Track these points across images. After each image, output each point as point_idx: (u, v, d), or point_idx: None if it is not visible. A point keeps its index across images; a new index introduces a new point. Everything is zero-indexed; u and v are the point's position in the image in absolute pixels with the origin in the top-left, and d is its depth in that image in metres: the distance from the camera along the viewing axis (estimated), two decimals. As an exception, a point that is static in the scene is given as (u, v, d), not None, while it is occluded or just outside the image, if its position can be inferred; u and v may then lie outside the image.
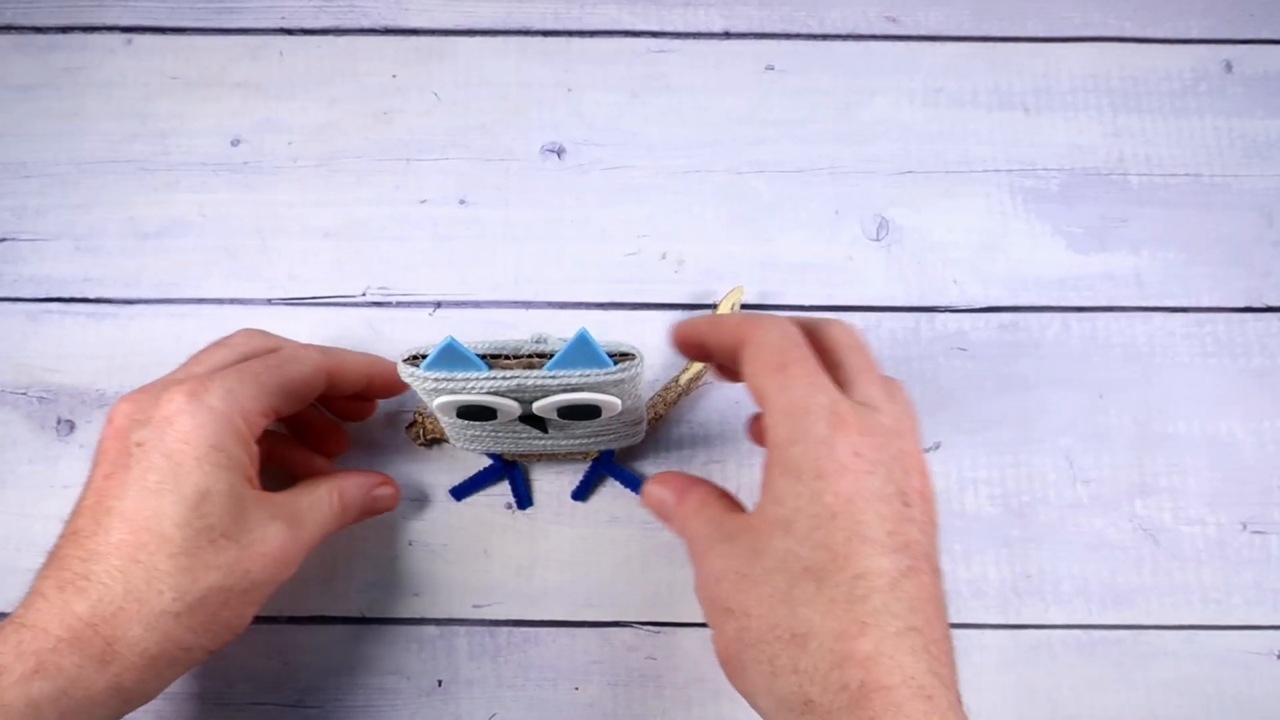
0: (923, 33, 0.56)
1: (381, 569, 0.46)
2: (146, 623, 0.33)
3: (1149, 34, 0.56)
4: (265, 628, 0.45)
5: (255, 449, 0.37)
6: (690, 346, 0.38)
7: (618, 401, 0.36)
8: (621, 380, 0.34)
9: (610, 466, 0.46)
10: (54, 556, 0.34)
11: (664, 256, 0.51)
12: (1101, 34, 0.56)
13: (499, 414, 0.37)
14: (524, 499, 0.47)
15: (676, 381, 0.47)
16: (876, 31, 0.56)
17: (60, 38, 0.55)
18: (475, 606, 0.46)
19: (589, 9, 0.56)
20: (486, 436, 0.41)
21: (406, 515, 0.47)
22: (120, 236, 0.51)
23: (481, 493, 0.47)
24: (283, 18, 0.56)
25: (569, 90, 0.54)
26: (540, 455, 0.45)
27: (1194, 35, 0.56)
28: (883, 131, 0.54)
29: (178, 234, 0.52)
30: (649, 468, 0.48)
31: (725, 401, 0.49)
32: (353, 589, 0.46)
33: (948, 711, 0.29)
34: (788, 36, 0.56)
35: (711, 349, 0.37)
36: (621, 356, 0.34)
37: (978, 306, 0.51)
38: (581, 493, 0.47)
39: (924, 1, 0.56)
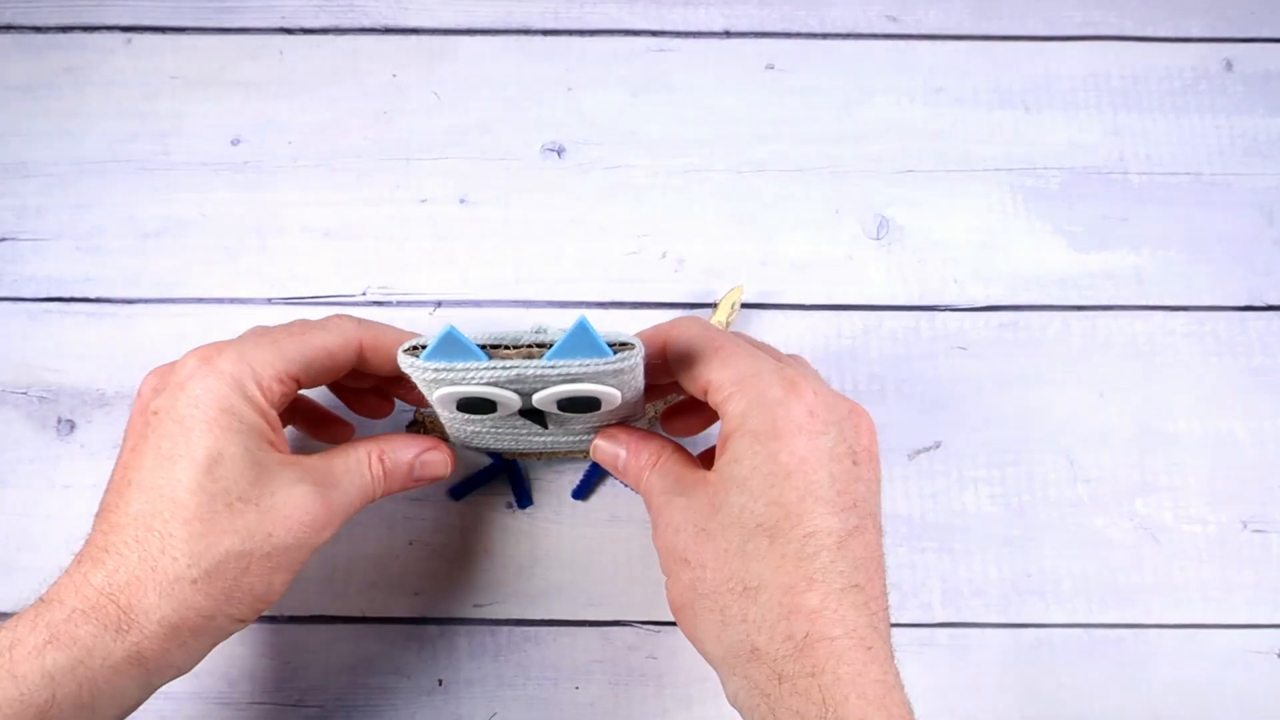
0: (923, 32, 0.56)
1: (381, 569, 0.46)
2: (162, 589, 0.32)
3: (1149, 33, 0.56)
4: (265, 627, 0.45)
5: (274, 414, 0.36)
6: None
7: (617, 393, 0.35)
8: (621, 370, 0.34)
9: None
10: (87, 538, 0.34)
11: (664, 255, 0.51)
12: (1102, 33, 0.56)
13: (499, 407, 0.37)
14: (525, 497, 0.46)
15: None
16: (877, 30, 0.56)
17: (60, 38, 0.55)
18: (476, 606, 0.46)
19: (589, 9, 0.56)
20: (486, 433, 0.41)
21: (407, 515, 0.47)
22: (120, 236, 0.51)
23: (481, 492, 0.47)
24: (283, 17, 0.56)
25: (569, 90, 0.54)
26: (540, 454, 0.45)
27: (1194, 34, 0.56)
28: (883, 130, 0.54)
29: (178, 234, 0.52)
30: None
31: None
32: (353, 589, 0.46)
33: (886, 662, 0.31)
34: (788, 36, 0.56)
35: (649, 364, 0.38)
36: (620, 346, 0.34)
37: (978, 305, 0.51)
38: (582, 492, 0.47)
39: (924, 0, 0.56)
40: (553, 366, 0.34)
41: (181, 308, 0.50)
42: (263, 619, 0.45)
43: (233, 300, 0.50)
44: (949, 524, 0.47)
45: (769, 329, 0.50)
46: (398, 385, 0.42)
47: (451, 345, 0.33)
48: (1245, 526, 0.47)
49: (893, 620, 0.46)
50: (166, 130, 0.53)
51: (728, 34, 0.56)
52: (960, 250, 0.52)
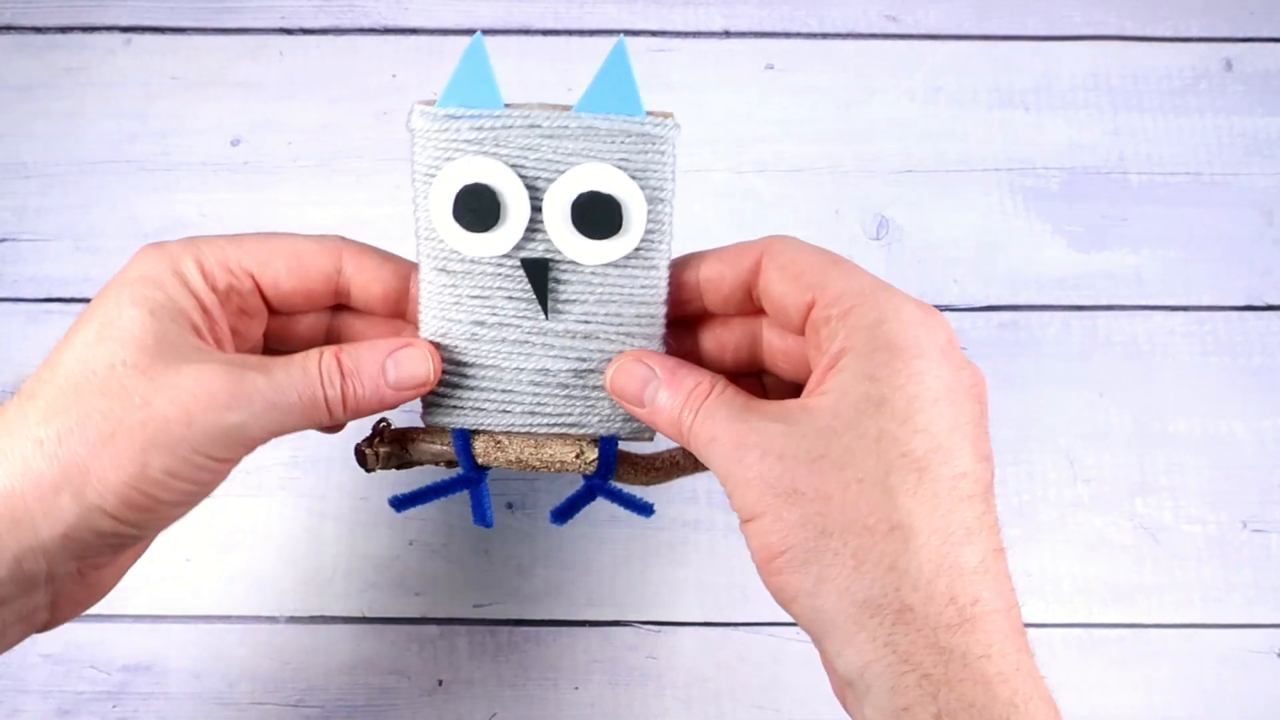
0: (923, 31, 0.56)
1: (381, 569, 0.46)
2: (4, 451, 0.27)
3: (1149, 32, 0.56)
4: (265, 628, 0.45)
5: (211, 298, 0.31)
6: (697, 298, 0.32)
7: (642, 197, 0.31)
8: (648, 142, 0.30)
9: (607, 488, 0.35)
10: None
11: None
12: (1101, 32, 0.56)
13: (504, 215, 0.31)
14: (486, 516, 0.37)
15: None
16: (876, 30, 0.56)
17: (60, 38, 0.55)
18: (476, 606, 0.46)
19: (589, 9, 0.56)
20: (469, 301, 0.32)
21: (407, 515, 0.47)
22: (120, 236, 0.51)
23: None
24: (283, 18, 0.56)
25: (569, 90, 0.54)
26: (520, 460, 0.35)
27: (1194, 34, 0.56)
28: (883, 130, 0.54)
29: (178, 234, 0.51)
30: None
31: (725, 401, 0.49)
32: (353, 589, 0.46)
33: (1031, 655, 0.27)
34: (788, 35, 0.56)
35: (718, 285, 0.32)
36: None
37: (978, 305, 0.51)
38: (562, 514, 0.36)
39: (924, 0, 0.56)
40: (575, 117, 0.30)
41: (181, 308, 0.50)
42: (262, 619, 0.45)
43: (233, 300, 0.50)
44: (949, 524, 0.47)
45: (769, 329, 0.50)
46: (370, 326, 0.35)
47: (475, 66, 0.30)
48: (1245, 526, 0.47)
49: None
50: (166, 130, 0.53)
51: (728, 34, 0.56)
52: (960, 250, 0.52)
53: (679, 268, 0.32)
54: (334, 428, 0.36)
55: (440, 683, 0.45)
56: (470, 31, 0.55)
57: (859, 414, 0.27)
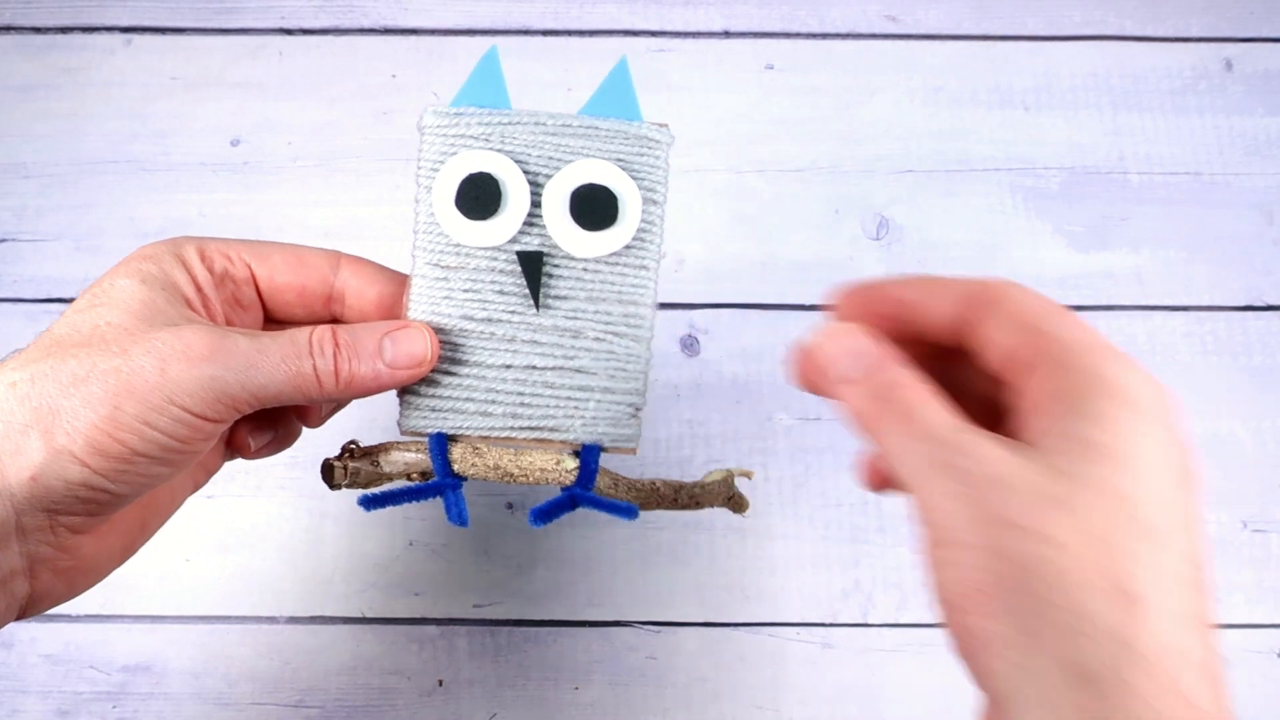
0: (923, 31, 0.56)
1: (381, 569, 0.46)
2: None
3: (1149, 32, 0.56)
4: (265, 628, 0.45)
5: (205, 276, 0.31)
6: (875, 314, 0.29)
7: (638, 193, 0.32)
8: (645, 145, 0.32)
9: (587, 497, 0.35)
10: None
11: (664, 255, 0.51)
12: (1101, 32, 0.56)
13: (504, 203, 0.32)
14: (462, 515, 0.35)
15: (701, 485, 0.38)
16: (876, 30, 0.56)
17: (60, 38, 0.55)
18: (476, 606, 0.46)
19: (589, 9, 0.56)
20: (460, 295, 0.33)
21: (407, 515, 0.47)
22: (120, 236, 0.51)
23: (481, 493, 0.47)
24: (283, 18, 0.56)
25: (569, 90, 0.54)
26: (500, 471, 0.34)
27: (1194, 34, 0.56)
28: (883, 130, 0.54)
29: (178, 234, 0.51)
30: (639, 467, 0.48)
31: (723, 400, 0.49)
32: (353, 589, 0.46)
33: None
34: (787, 36, 0.56)
35: (921, 313, 0.29)
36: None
37: (978, 305, 0.51)
38: (541, 515, 0.35)
39: (924, 0, 0.56)
40: (578, 117, 0.32)
41: (181, 308, 0.50)
42: (263, 619, 0.45)
43: (233, 300, 0.50)
44: (949, 524, 0.47)
45: (769, 329, 0.50)
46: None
47: (488, 74, 0.32)
48: (1245, 526, 0.47)
49: (893, 620, 0.46)
50: (166, 130, 0.53)
51: (727, 34, 0.56)
52: (960, 250, 0.52)
53: (897, 285, 0.30)
54: (322, 411, 0.35)
55: (440, 683, 0.45)
56: (470, 31, 0.55)
57: (1101, 465, 0.24)
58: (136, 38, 0.55)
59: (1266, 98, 0.54)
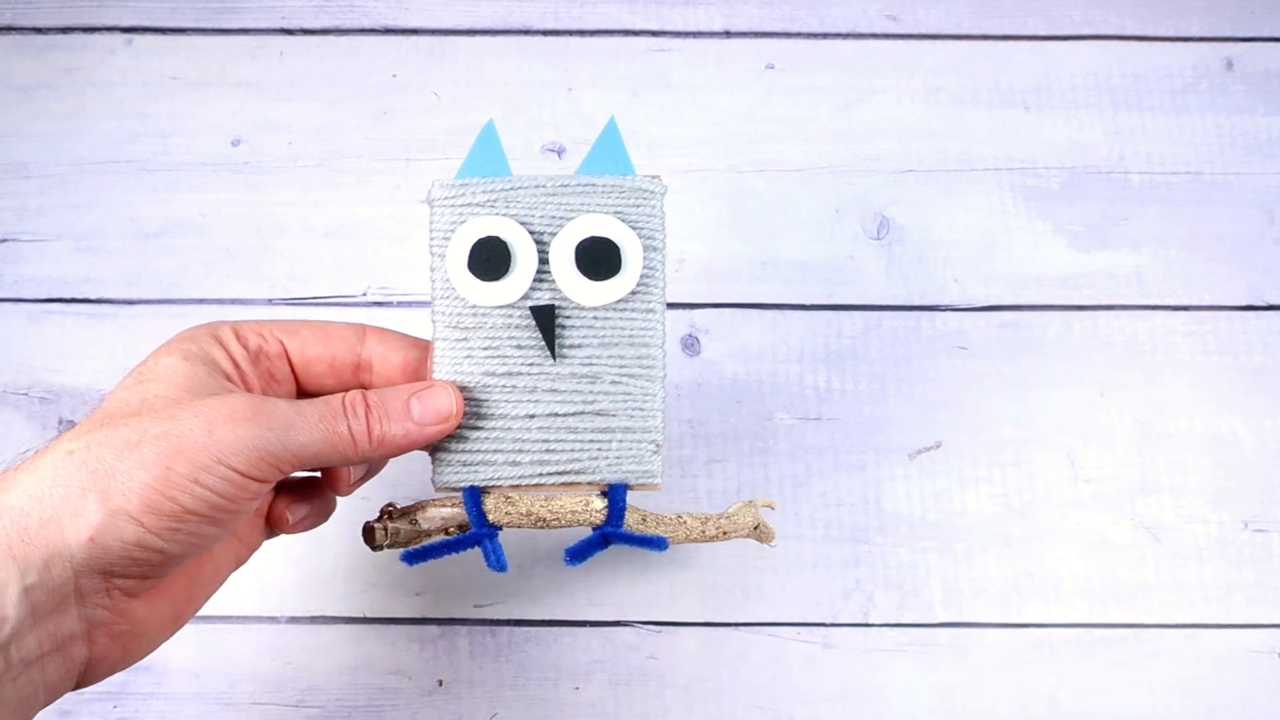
0: (923, 31, 0.56)
1: (381, 569, 0.46)
2: (34, 467, 0.28)
3: (1150, 32, 0.56)
4: (266, 628, 0.45)
5: (240, 351, 0.33)
6: None
7: (638, 242, 0.34)
8: (640, 196, 0.34)
9: (619, 534, 0.36)
10: None
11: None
12: (1102, 32, 0.56)
13: (514, 264, 0.33)
14: (501, 562, 0.36)
15: (726, 517, 0.39)
16: (877, 30, 0.56)
17: (60, 38, 0.55)
18: (476, 606, 0.46)
19: (589, 9, 0.56)
20: (480, 354, 0.34)
21: (407, 515, 0.47)
22: (120, 236, 0.51)
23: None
24: (283, 18, 0.56)
25: (569, 90, 0.54)
26: (532, 518, 0.36)
27: (1195, 33, 0.56)
28: (883, 130, 0.54)
29: (178, 234, 0.52)
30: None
31: (724, 400, 0.49)
32: (353, 589, 0.46)
33: None
34: (788, 35, 0.56)
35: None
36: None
37: (978, 305, 0.51)
38: (575, 555, 0.37)
39: (924, 0, 0.56)
40: (575, 177, 0.34)
41: (181, 308, 0.50)
42: (263, 619, 0.45)
43: (233, 301, 0.50)
44: (950, 524, 0.47)
45: (769, 329, 0.50)
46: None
47: (488, 146, 0.34)
48: (1246, 526, 0.47)
49: (894, 620, 0.46)
50: (166, 130, 0.53)
51: (728, 34, 0.56)
52: (960, 250, 0.52)
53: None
54: (351, 478, 0.37)
55: (440, 683, 0.45)
56: (470, 31, 0.55)
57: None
58: (137, 38, 0.55)
59: (1267, 97, 0.54)
